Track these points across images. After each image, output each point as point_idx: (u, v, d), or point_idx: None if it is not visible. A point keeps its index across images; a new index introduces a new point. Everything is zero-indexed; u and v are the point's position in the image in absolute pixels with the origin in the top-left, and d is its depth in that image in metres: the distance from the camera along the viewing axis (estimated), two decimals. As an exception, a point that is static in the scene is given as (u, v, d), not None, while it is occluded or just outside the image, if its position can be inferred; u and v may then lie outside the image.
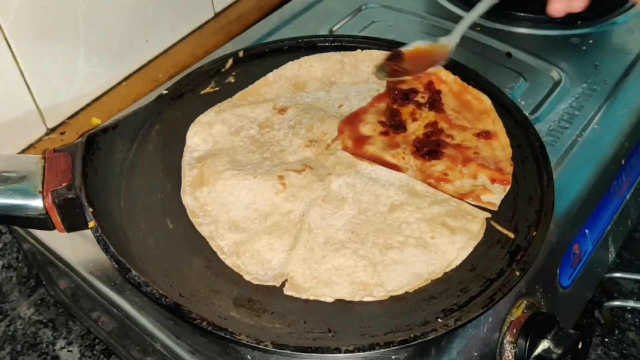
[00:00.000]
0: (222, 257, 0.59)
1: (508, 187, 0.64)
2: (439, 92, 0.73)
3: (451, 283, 0.56)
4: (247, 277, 0.57)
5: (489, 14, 0.90)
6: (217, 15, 0.95)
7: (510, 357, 0.59)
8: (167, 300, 0.53)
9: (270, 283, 0.57)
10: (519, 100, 0.77)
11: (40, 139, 0.77)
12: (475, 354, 0.57)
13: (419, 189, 0.64)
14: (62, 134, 0.78)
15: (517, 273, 0.56)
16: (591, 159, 0.72)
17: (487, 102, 0.72)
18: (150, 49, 0.86)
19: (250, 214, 0.62)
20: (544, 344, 0.58)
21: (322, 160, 0.67)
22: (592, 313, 0.83)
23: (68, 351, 0.76)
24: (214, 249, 0.59)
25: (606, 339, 0.82)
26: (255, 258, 0.59)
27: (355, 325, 0.53)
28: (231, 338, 0.51)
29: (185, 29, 0.91)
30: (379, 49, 0.79)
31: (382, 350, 0.50)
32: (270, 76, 0.77)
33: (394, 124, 0.70)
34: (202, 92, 0.76)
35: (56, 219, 0.59)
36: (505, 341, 0.59)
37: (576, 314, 0.77)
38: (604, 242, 0.78)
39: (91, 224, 0.58)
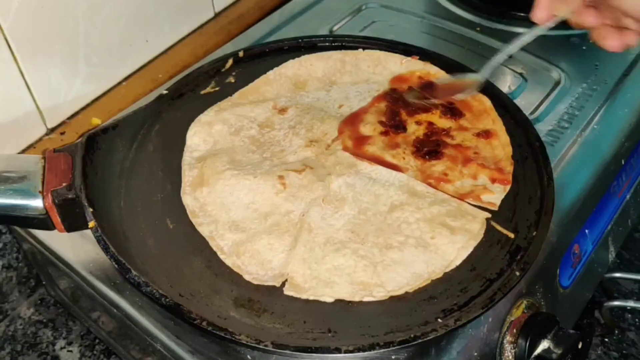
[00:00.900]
0: (222, 257, 0.59)
1: (508, 187, 0.64)
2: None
3: (451, 283, 0.56)
4: (247, 277, 0.57)
5: (489, 14, 0.91)
6: (217, 15, 0.95)
7: (510, 357, 0.59)
8: (167, 300, 0.53)
9: (270, 283, 0.57)
10: (519, 100, 0.77)
11: (40, 139, 0.77)
12: (475, 354, 0.57)
13: (419, 189, 0.64)
14: (62, 134, 0.78)
15: (517, 273, 0.56)
16: (591, 159, 0.72)
17: (486, 102, 0.72)
18: (150, 49, 0.86)
19: (250, 214, 0.62)
20: (544, 344, 0.58)
21: (322, 160, 0.67)
22: (592, 313, 0.83)
23: (68, 351, 0.76)
24: (214, 249, 0.59)
25: (606, 339, 0.82)
26: (255, 258, 0.58)
27: (355, 325, 0.53)
28: (231, 338, 0.51)
29: (185, 29, 0.91)
30: (380, 49, 0.79)
31: (382, 350, 0.50)
32: (271, 74, 0.77)
33: (394, 124, 0.70)
34: (202, 92, 0.76)
35: (56, 219, 0.59)
36: (505, 341, 0.59)
37: (576, 314, 0.77)
38: (604, 242, 0.78)
39: (91, 224, 0.58)
